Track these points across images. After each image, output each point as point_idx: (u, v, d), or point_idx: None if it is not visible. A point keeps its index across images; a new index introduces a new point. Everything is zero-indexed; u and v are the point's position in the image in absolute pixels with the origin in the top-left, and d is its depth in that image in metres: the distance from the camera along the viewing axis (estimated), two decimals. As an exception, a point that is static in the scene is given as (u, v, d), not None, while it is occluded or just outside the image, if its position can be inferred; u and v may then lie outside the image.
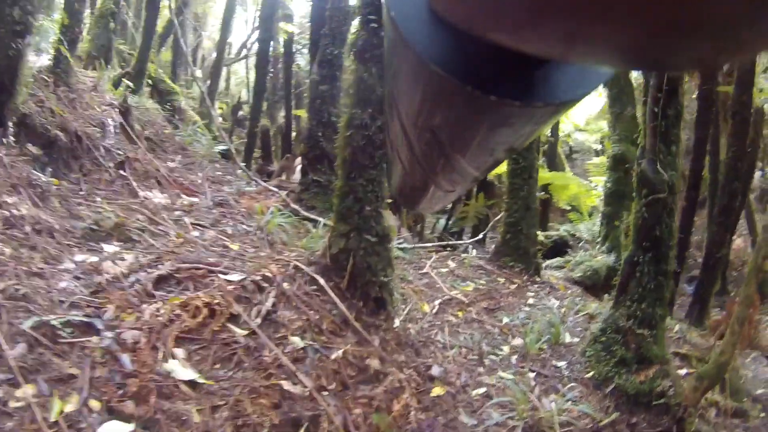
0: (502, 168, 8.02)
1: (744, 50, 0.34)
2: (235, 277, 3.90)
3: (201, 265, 4.05)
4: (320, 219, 6.39)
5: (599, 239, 9.48)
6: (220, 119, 16.53)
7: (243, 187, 7.28)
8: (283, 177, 7.91)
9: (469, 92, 0.54)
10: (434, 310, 4.97)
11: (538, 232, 9.97)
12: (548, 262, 9.76)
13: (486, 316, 5.29)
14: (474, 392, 3.79)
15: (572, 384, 4.27)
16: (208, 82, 13.62)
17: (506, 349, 4.65)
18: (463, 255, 7.98)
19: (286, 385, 3.10)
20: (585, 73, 0.57)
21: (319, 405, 3.03)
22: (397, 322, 4.36)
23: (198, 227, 5.45)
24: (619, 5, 0.29)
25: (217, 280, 3.87)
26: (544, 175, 10.84)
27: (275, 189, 7.17)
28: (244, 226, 5.67)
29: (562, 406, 3.82)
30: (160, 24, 11.53)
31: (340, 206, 3.98)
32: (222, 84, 19.94)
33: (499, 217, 7.90)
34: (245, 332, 3.37)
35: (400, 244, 6.86)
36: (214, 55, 14.80)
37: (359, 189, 3.83)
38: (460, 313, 5.15)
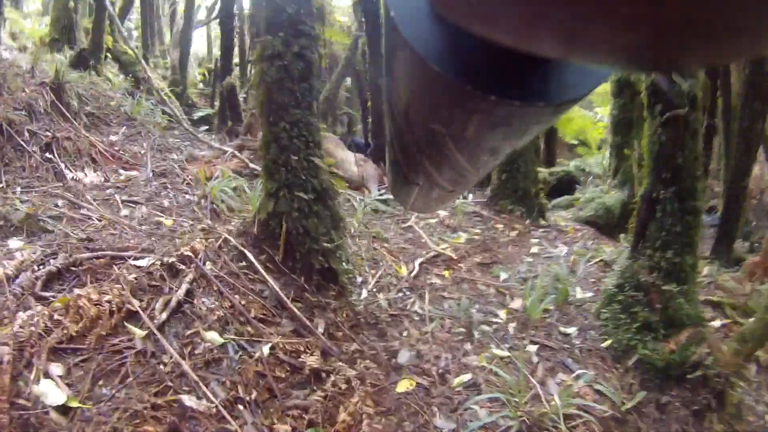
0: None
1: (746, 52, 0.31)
2: (144, 261, 3.03)
3: (108, 252, 3.18)
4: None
5: (610, 173, 8.52)
6: (201, 85, 15.76)
7: (199, 151, 6.34)
8: (249, 135, 6.96)
9: (469, 92, 0.53)
10: (414, 273, 4.10)
11: (541, 169, 9.01)
12: (554, 201, 8.84)
13: (479, 274, 4.42)
14: (456, 381, 2.94)
15: (585, 357, 3.42)
16: (178, 49, 12.65)
17: (502, 315, 3.79)
18: (456, 201, 7.07)
19: (188, 400, 2.27)
20: (586, 72, 0.56)
21: (229, 425, 2.20)
22: (364, 293, 3.50)
23: (130, 204, 4.59)
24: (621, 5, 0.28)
25: (123, 268, 3.02)
26: None
27: (230, 149, 6.19)
28: (187, 197, 4.80)
29: (572, 389, 2.98)
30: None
31: (265, 160, 3.05)
32: (205, 49, 18.96)
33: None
34: (143, 333, 2.52)
35: (381, 195, 5.96)
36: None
37: (282, 135, 2.89)
38: (446, 273, 4.28)
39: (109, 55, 9.71)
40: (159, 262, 2.97)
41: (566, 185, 10.05)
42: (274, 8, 2.95)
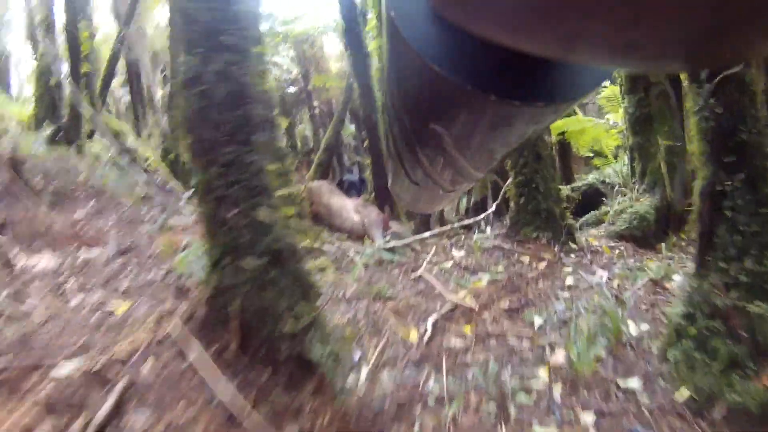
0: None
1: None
2: (65, 369, 2.35)
3: (29, 360, 2.51)
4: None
5: (635, 178, 7.71)
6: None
7: (179, 219, 5.73)
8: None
9: (469, 92, 0.54)
10: (426, 336, 3.31)
11: (562, 187, 8.23)
12: (582, 219, 8.02)
13: (508, 323, 3.62)
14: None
15: (657, 418, 2.58)
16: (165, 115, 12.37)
17: (543, 375, 2.97)
18: (475, 236, 6.31)
19: None
20: (585, 72, 0.58)
21: None
22: (363, 375, 2.74)
23: (84, 290, 3.96)
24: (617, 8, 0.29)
25: (44, 378, 2.34)
26: (556, 123, 9.20)
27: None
28: (150, 275, 4.14)
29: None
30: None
31: (201, 216, 2.36)
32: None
33: (509, 181, 6.25)
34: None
35: (387, 242, 5.24)
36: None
37: (217, 182, 2.19)
38: (467, 329, 3.49)
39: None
40: (88, 367, 2.27)
41: (591, 199, 9.24)
42: (186, 20, 2.31)
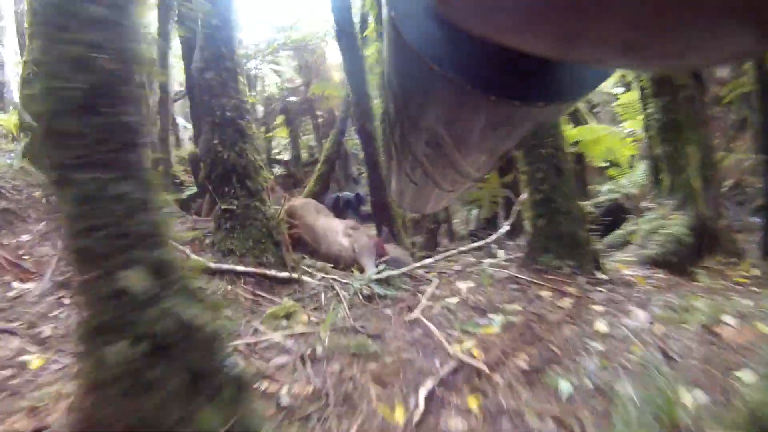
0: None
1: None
2: None
3: None
4: (238, 268, 4.02)
5: (663, 190, 6.86)
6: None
7: None
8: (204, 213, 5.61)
9: (469, 92, 0.52)
10: (417, 416, 2.47)
11: (582, 203, 7.37)
12: (606, 240, 7.16)
13: (527, 393, 2.77)
14: None
15: None
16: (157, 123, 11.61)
17: (577, 482, 2.12)
18: (486, 261, 5.48)
19: None
20: (585, 72, 0.54)
21: None
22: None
23: (3, 334, 3.23)
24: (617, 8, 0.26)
25: None
26: (570, 132, 8.59)
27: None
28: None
29: None
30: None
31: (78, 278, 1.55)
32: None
33: (523, 197, 5.43)
34: None
35: (379, 273, 4.43)
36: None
37: (75, 225, 1.36)
38: (473, 403, 2.64)
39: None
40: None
41: (614, 214, 8.38)
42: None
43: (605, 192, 9.32)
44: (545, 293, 4.30)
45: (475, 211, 10.36)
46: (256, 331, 3.24)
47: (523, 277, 4.65)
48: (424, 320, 3.58)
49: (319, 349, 2.96)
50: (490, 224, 9.21)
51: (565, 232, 4.77)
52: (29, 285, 3.92)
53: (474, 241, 10.22)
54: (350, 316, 3.68)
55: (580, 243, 4.78)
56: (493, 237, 6.07)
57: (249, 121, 4.37)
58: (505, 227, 6.32)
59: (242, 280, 3.87)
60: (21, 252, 4.46)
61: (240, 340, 3.12)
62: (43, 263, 4.31)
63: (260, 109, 16.37)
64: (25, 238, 4.78)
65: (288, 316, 3.32)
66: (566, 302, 4.09)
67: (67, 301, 3.61)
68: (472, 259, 5.89)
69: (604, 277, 4.69)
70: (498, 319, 3.74)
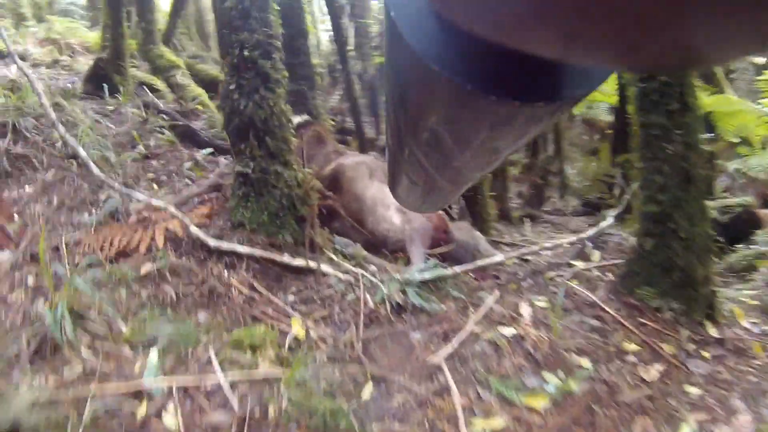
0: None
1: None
2: None
3: None
4: (240, 249, 3.25)
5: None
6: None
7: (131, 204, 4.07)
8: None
9: (470, 92, 0.49)
10: None
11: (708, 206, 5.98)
12: (727, 258, 5.80)
13: None
14: None
15: None
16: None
17: None
18: (572, 267, 4.44)
19: None
20: (587, 71, 0.52)
21: None
22: None
23: None
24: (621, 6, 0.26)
25: None
26: (705, 101, 7.32)
27: (162, 204, 3.83)
28: (36, 307, 2.77)
29: None
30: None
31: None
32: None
33: (635, 185, 4.27)
34: None
35: (426, 269, 3.56)
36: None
37: None
38: None
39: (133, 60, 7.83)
40: None
41: (741, 225, 6.86)
42: None
43: (732, 173, 8.34)
44: (631, 347, 3.26)
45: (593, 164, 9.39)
46: (206, 363, 2.47)
47: (610, 311, 3.60)
48: (446, 371, 2.68)
49: (272, 410, 2.16)
50: (590, 210, 8.04)
51: (678, 265, 3.60)
52: (5, 254, 3.32)
53: (587, 212, 9.11)
54: (360, 338, 2.85)
55: (694, 283, 3.61)
56: (592, 231, 4.96)
57: (276, 61, 3.41)
58: (610, 219, 5.18)
59: (244, 265, 3.10)
60: (15, 209, 3.86)
61: (179, 376, 2.38)
62: (28, 225, 3.69)
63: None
64: (26, 190, 4.15)
65: (254, 348, 2.51)
66: (653, 372, 3.05)
67: (31, 281, 2.98)
68: (568, 245, 4.89)
69: (713, 334, 3.55)
70: (554, 383, 2.78)
